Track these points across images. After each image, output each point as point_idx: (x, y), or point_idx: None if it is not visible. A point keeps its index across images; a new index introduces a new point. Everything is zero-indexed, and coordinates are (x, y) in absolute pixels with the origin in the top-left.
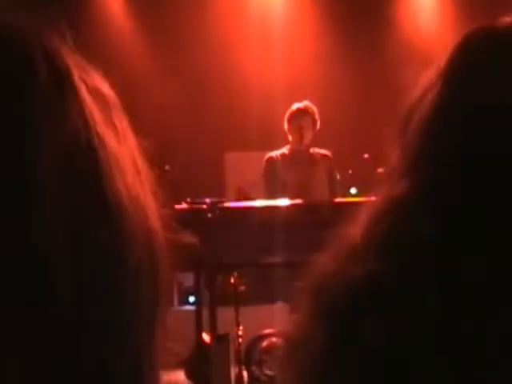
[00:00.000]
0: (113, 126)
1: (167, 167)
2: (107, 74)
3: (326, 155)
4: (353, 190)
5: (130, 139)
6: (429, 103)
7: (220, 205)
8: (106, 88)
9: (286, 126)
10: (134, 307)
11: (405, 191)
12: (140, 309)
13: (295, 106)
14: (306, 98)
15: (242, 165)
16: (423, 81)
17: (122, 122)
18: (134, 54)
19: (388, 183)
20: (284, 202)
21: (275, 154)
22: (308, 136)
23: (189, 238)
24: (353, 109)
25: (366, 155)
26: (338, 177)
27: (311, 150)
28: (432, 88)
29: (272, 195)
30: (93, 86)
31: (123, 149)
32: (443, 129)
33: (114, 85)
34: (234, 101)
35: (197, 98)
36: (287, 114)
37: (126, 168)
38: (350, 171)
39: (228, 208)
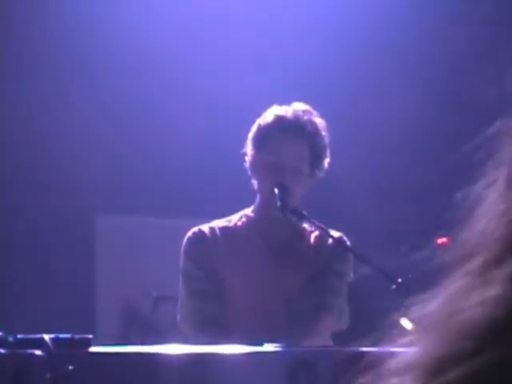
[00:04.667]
0: None
1: None
2: None
3: (338, 238)
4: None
5: None
6: None
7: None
8: None
9: (248, 161)
10: None
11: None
12: None
13: (273, 111)
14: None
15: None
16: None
17: None
18: None
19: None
20: (229, 347)
21: (210, 226)
22: (298, 187)
23: None
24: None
25: (441, 239)
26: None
27: (304, 225)
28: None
29: (199, 316)
30: None
31: None
32: None
33: None
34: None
35: None
36: (254, 130)
37: None
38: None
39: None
